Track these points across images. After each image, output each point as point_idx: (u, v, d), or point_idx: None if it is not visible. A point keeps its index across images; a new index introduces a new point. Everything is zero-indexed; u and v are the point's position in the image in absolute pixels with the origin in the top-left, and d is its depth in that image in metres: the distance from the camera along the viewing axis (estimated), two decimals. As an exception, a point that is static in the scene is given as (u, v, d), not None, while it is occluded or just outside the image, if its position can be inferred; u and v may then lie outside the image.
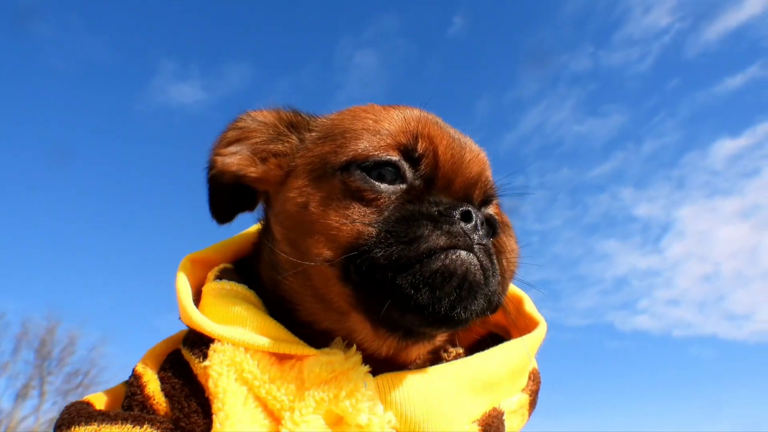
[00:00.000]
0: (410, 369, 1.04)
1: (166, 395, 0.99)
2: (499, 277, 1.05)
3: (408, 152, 1.05)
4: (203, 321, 1.00)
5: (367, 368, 0.97)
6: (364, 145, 1.05)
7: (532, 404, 1.16)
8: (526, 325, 1.24)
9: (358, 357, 0.98)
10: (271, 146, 1.17)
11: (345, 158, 1.05)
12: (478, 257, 0.96)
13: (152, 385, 1.01)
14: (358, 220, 0.99)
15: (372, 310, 0.97)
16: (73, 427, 0.93)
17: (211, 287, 1.10)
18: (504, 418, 1.05)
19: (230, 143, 1.18)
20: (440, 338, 1.16)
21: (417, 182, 1.05)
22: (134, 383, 1.03)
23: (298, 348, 0.96)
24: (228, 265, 1.19)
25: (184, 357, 1.03)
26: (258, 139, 1.18)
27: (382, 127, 1.07)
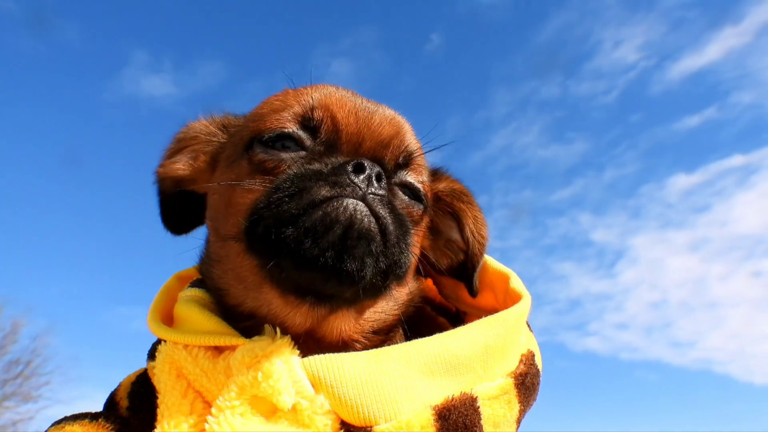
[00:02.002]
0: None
1: (128, 397, 1.06)
2: (404, 237, 0.99)
3: (305, 122, 1.07)
4: (153, 325, 1.08)
5: (291, 350, 0.93)
6: (266, 123, 1.09)
7: (522, 390, 1.03)
8: (513, 303, 1.13)
9: (284, 340, 0.95)
10: (204, 148, 1.25)
11: (248, 137, 1.10)
12: (370, 206, 0.92)
13: (123, 390, 1.08)
14: (255, 188, 1.01)
15: (275, 276, 0.97)
16: (50, 428, 1.03)
17: (179, 296, 1.17)
18: (478, 404, 0.94)
19: (172, 154, 1.27)
20: (378, 316, 1.10)
21: (318, 148, 1.05)
22: (114, 390, 1.11)
23: (227, 339, 0.96)
24: (200, 277, 1.25)
25: None
26: (193, 146, 1.26)
27: (285, 105, 1.11)
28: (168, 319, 1.15)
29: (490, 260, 1.26)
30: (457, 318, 1.33)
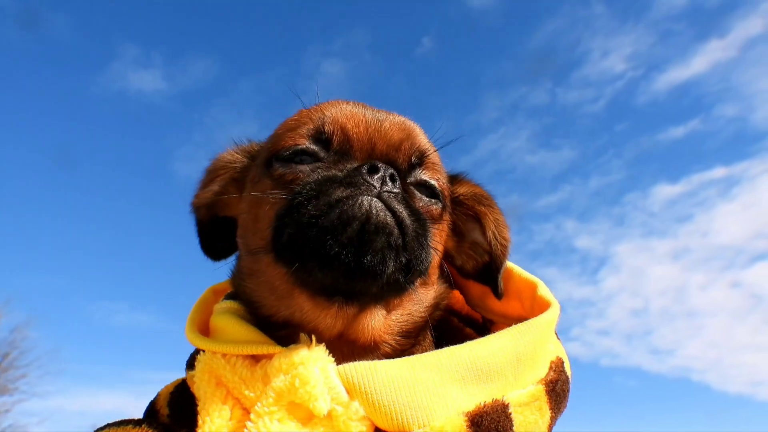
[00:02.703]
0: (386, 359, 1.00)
1: (168, 405, 1.09)
2: (423, 235, 1.02)
3: (317, 135, 1.12)
4: (191, 335, 1.11)
5: (326, 357, 0.96)
6: (282, 142, 1.15)
7: (553, 397, 1.03)
8: (541, 311, 1.13)
9: (320, 347, 0.97)
10: (232, 175, 1.32)
11: (268, 156, 1.16)
12: (386, 202, 0.96)
13: (163, 399, 1.12)
14: (277, 199, 1.06)
15: (302, 279, 1.01)
16: None
17: (214, 308, 1.20)
18: (510, 411, 0.95)
19: (205, 185, 1.35)
20: (406, 318, 1.12)
21: (332, 158, 1.09)
22: (153, 399, 1.15)
23: (264, 348, 0.99)
24: (233, 290, 1.29)
25: None
26: (223, 174, 1.33)
27: (299, 124, 1.17)
28: (204, 330, 1.19)
29: (516, 269, 1.28)
30: (483, 328, 1.34)
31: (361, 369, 0.93)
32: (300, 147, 1.11)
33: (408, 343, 1.14)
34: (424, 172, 1.17)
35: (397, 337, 1.12)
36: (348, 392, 0.92)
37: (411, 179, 1.14)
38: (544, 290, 1.19)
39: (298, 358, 0.94)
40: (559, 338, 1.20)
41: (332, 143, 1.11)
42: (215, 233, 1.36)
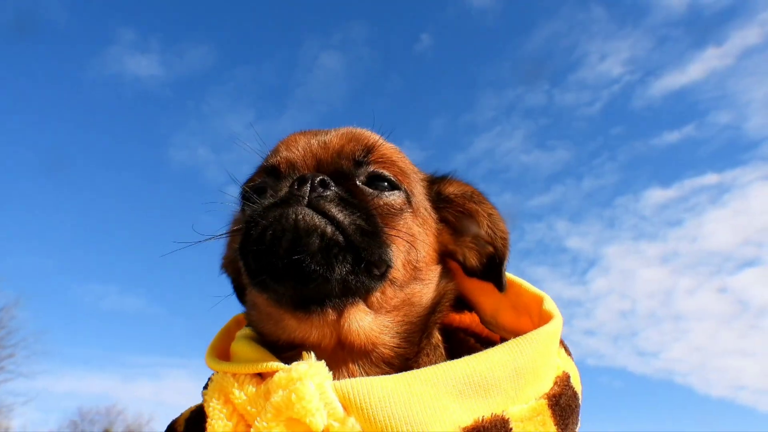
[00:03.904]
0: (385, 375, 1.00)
1: (185, 423, 1.17)
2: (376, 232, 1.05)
3: (268, 170, 1.20)
4: (208, 360, 1.17)
5: (325, 372, 0.97)
6: (246, 185, 1.23)
7: (557, 411, 1.01)
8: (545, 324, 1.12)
9: (320, 364, 0.99)
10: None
11: (241, 202, 1.24)
12: (316, 207, 1.01)
13: (182, 419, 1.19)
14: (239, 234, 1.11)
15: (275, 299, 1.06)
16: None
17: (236, 335, 1.27)
18: (511, 426, 0.94)
19: (228, 246, 1.45)
20: (401, 318, 1.13)
21: (281, 185, 1.14)
22: (174, 419, 1.22)
23: (268, 365, 1.03)
24: None
25: None
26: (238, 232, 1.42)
27: (260, 167, 1.26)
28: (224, 355, 1.25)
29: (524, 284, 1.27)
30: None
31: (357, 384, 0.94)
32: (253, 184, 1.20)
33: (411, 350, 1.14)
34: (372, 166, 1.20)
35: (396, 340, 1.13)
36: (344, 407, 0.93)
37: (361, 177, 1.18)
38: (549, 304, 1.18)
39: (296, 374, 0.96)
40: (569, 353, 1.19)
41: (279, 172, 1.19)
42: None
